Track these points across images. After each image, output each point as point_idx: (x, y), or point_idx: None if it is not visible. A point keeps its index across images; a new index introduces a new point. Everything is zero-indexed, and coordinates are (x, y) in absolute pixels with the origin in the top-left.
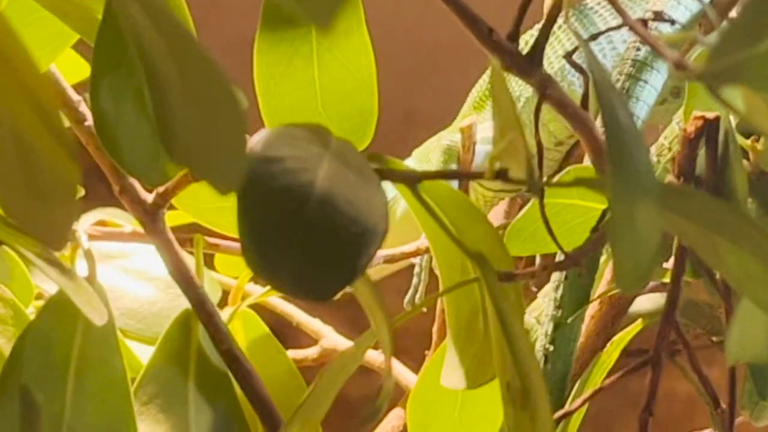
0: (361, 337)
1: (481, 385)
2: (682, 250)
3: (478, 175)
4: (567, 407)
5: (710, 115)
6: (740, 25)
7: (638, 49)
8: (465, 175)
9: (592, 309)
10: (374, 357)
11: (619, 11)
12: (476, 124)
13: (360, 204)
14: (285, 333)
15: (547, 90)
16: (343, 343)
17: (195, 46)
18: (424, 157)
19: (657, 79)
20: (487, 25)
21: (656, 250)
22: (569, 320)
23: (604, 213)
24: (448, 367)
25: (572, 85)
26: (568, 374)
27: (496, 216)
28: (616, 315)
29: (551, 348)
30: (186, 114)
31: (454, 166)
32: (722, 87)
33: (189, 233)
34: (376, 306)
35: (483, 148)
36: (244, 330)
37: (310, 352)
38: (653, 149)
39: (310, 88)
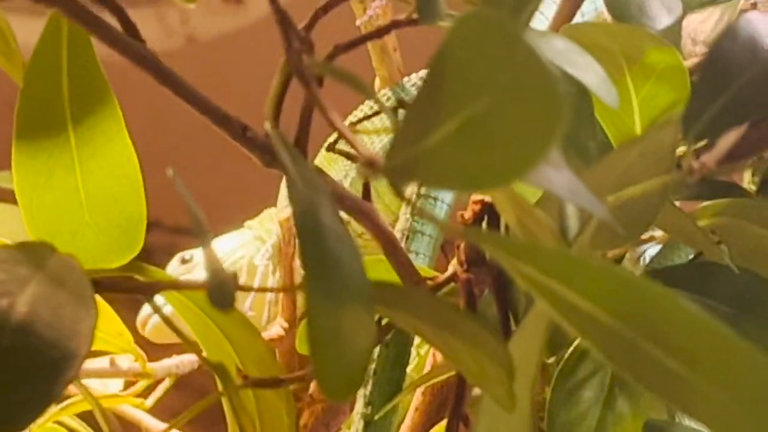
0: None
1: None
2: None
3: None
4: None
5: (489, 198)
6: (413, 117)
7: None
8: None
9: (416, 401)
10: None
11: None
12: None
13: (63, 326)
14: None
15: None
16: None
17: None
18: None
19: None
20: (241, 124)
21: (366, 355)
22: (381, 417)
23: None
24: None
25: None
26: None
27: None
28: (440, 405)
29: None
30: None
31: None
32: (404, 184)
33: None
34: None
35: None
36: None
37: None
38: None
39: (75, 198)
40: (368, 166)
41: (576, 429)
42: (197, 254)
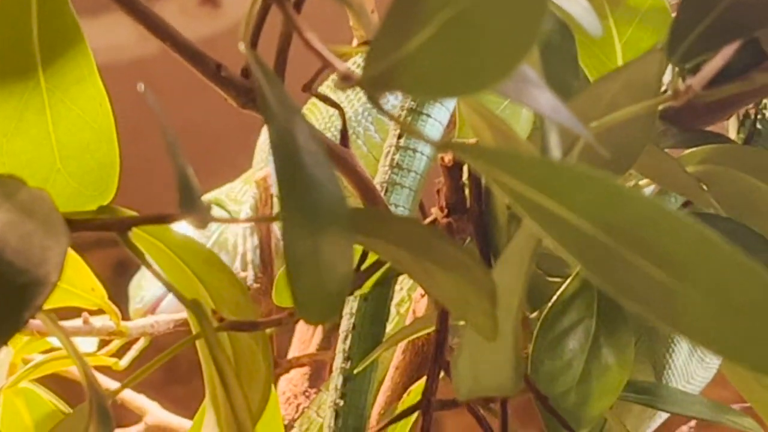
0: None
1: None
2: None
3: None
4: None
5: (470, 141)
6: (389, 25)
7: None
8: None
9: (396, 360)
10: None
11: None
12: (272, 176)
13: (32, 254)
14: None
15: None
16: (167, 419)
17: None
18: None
19: (441, 112)
20: (215, 62)
21: (346, 279)
22: (360, 371)
23: (364, 253)
24: (206, 426)
25: (368, 131)
26: (361, 429)
27: None
28: (421, 363)
29: (341, 403)
30: None
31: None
32: (382, 94)
33: None
34: None
35: None
36: (27, 407)
37: (134, 431)
38: None
39: (46, 143)
40: (344, 79)
41: (560, 379)
42: None
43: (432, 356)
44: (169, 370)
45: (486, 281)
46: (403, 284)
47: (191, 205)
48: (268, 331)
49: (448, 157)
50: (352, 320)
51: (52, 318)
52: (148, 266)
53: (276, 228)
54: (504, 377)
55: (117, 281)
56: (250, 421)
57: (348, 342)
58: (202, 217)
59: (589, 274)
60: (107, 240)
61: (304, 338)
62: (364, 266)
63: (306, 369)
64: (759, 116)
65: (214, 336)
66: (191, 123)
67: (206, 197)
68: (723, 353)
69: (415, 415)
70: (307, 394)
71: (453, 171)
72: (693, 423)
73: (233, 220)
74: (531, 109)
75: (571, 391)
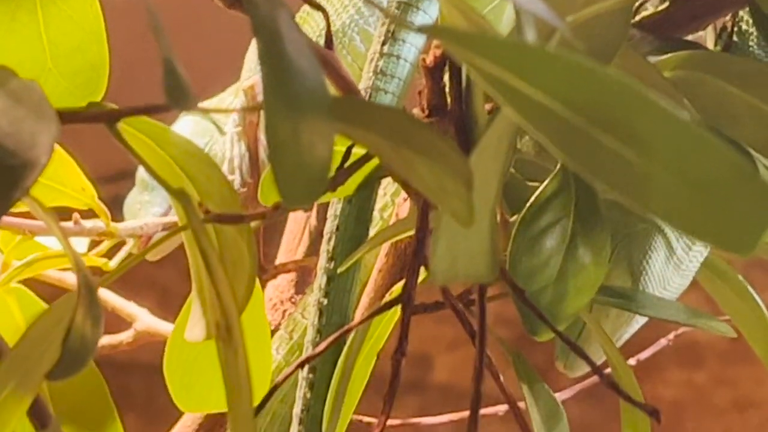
0: None
1: None
2: None
3: None
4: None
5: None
6: None
7: None
8: None
9: (379, 263)
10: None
11: None
12: (259, 84)
13: (23, 138)
14: None
15: None
16: (157, 324)
17: None
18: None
19: (431, 5)
20: None
21: (326, 163)
22: (343, 271)
23: (348, 151)
24: (192, 319)
25: (353, 41)
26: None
27: None
28: (403, 267)
29: (325, 301)
30: None
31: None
32: None
33: None
34: None
35: None
36: (19, 307)
37: (124, 337)
38: None
39: (38, 43)
40: None
41: (538, 276)
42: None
43: (412, 252)
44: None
45: (462, 167)
46: (387, 190)
47: (178, 92)
48: (253, 225)
49: (429, 59)
50: (336, 222)
51: (47, 211)
52: (137, 157)
53: (262, 136)
54: (480, 264)
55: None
56: (236, 310)
57: (332, 243)
58: (189, 103)
59: (563, 156)
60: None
61: (291, 246)
62: (347, 164)
63: (292, 276)
64: (735, 29)
65: (200, 224)
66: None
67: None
68: (688, 230)
69: (396, 317)
70: (293, 300)
71: (434, 72)
72: (672, 336)
73: (221, 110)
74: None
75: (548, 288)
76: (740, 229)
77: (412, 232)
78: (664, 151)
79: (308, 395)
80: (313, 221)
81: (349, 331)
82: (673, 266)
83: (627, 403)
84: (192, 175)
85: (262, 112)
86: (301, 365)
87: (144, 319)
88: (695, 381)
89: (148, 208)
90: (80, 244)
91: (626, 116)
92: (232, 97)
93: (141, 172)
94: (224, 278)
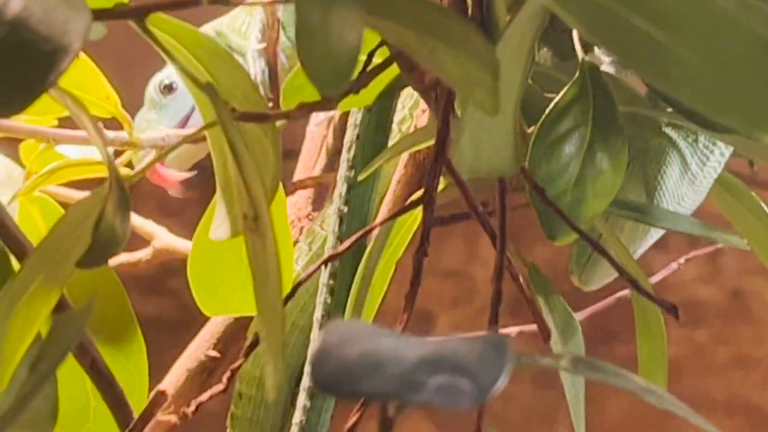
0: None
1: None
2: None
3: None
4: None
5: None
6: None
7: None
8: None
9: (398, 174)
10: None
11: None
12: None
13: (55, 24)
14: None
15: None
16: (175, 242)
17: None
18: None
19: None
20: None
21: (355, 50)
22: (363, 179)
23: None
24: (216, 219)
25: None
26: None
27: None
28: (422, 177)
29: (345, 209)
30: None
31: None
32: None
33: None
34: None
35: None
36: (41, 215)
37: (143, 254)
38: None
39: None
40: None
41: (557, 181)
42: (179, 80)
43: (433, 155)
44: None
45: (489, 56)
46: (405, 103)
47: None
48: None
49: None
50: (356, 131)
51: (78, 104)
52: (166, 52)
53: (282, 53)
54: (504, 157)
55: None
56: (265, 199)
57: (352, 152)
58: None
59: (592, 37)
60: None
61: (308, 165)
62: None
63: (309, 193)
64: None
65: (228, 115)
66: None
67: (207, 27)
68: (710, 110)
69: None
70: (310, 217)
71: None
72: (683, 260)
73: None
74: None
75: (567, 192)
76: (765, 109)
77: (431, 142)
78: (689, 28)
79: (329, 300)
80: (329, 139)
81: (369, 235)
82: (688, 181)
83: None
84: (217, 76)
85: (280, 30)
86: (324, 263)
87: (162, 237)
88: (695, 339)
89: (155, 126)
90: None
91: None
92: (244, 15)
93: (149, 91)
94: (253, 168)
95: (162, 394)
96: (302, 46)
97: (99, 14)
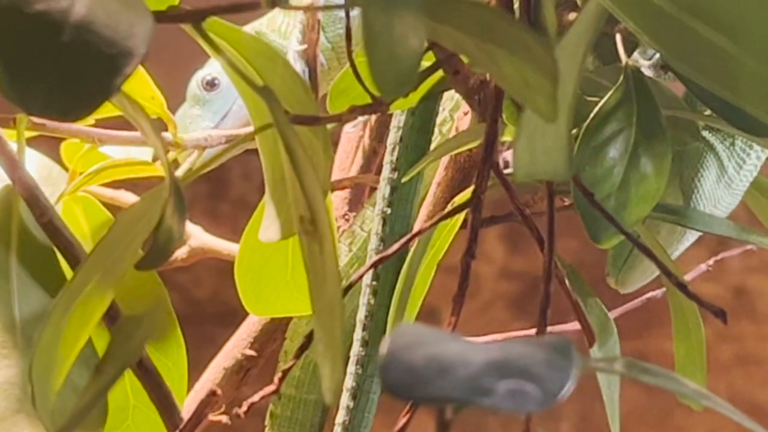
0: None
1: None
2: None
3: None
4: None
5: None
6: None
7: None
8: None
9: (438, 176)
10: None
11: None
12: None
13: (119, 28)
14: None
15: None
16: (211, 241)
17: None
18: (275, 30)
19: None
20: None
21: (417, 55)
22: (406, 181)
23: None
24: (266, 221)
25: None
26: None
27: None
28: (463, 179)
29: (388, 211)
30: None
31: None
32: None
33: (11, 113)
34: None
35: None
36: (85, 215)
37: (179, 253)
38: None
39: None
40: None
41: (601, 185)
42: (222, 75)
43: (481, 158)
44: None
45: (548, 61)
46: (445, 105)
47: None
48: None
49: None
50: (399, 133)
51: (135, 104)
52: (221, 56)
53: (321, 55)
54: (559, 161)
55: None
56: (323, 202)
57: (395, 154)
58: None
59: (654, 44)
60: None
61: (344, 165)
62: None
63: (345, 194)
64: None
65: (285, 118)
66: None
67: (247, 27)
68: None
69: (456, 229)
70: (346, 217)
71: None
72: (711, 261)
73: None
74: None
75: (611, 196)
76: None
77: (473, 145)
78: (754, 37)
79: (372, 301)
80: (366, 140)
81: (413, 238)
82: (724, 185)
83: (678, 305)
84: (269, 78)
85: (320, 31)
86: (373, 266)
87: (198, 236)
88: None
89: (198, 122)
90: (146, 154)
91: (720, 3)
92: (283, 16)
93: (192, 87)
94: (310, 171)
95: (214, 395)
96: (368, 50)
97: (158, 17)
